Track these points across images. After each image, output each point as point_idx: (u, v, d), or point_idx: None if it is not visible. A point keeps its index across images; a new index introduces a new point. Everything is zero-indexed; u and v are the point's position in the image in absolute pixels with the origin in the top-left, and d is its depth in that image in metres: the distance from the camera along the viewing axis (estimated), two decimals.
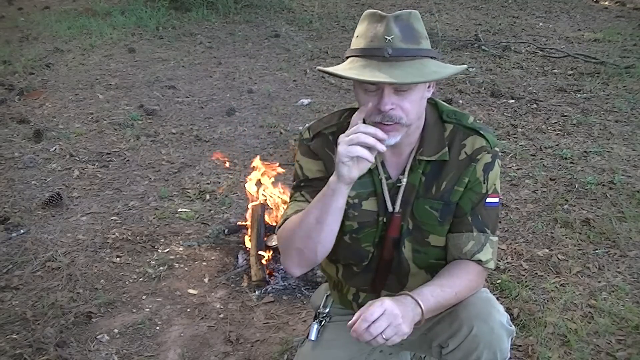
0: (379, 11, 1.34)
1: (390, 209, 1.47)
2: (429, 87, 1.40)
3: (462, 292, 1.41)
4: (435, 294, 1.35)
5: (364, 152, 1.25)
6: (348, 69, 1.33)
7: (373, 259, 1.53)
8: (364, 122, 1.32)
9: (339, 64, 1.45)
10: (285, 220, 1.48)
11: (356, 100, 1.43)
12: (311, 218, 1.36)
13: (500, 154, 1.49)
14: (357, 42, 1.36)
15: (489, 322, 1.39)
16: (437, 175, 1.45)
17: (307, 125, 1.57)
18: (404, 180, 1.46)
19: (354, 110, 1.51)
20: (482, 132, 1.45)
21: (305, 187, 1.51)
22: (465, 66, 1.46)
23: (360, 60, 1.33)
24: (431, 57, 1.35)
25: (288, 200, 1.58)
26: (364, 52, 1.33)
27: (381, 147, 1.26)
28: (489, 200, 1.46)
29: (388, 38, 1.30)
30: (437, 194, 1.46)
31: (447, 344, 1.43)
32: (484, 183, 1.45)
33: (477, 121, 1.49)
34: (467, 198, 1.45)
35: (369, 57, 1.32)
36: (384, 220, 1.48)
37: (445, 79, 1.41)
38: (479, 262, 1.44)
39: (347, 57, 1.38)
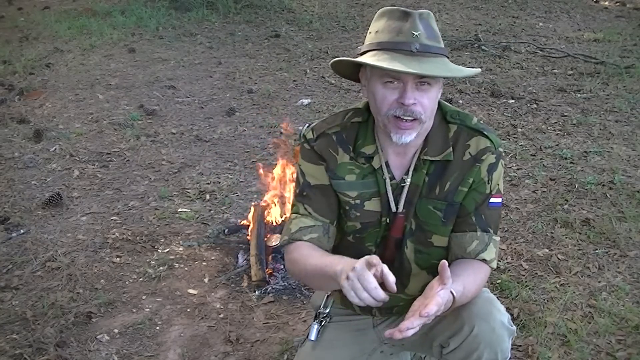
0: (400, 8, 1.35)
1: (394, 209, 1.47)
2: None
3: (474, 291, 1.40)
4: (458, 291, 1.33)
5: (361, 303, 1.22)
6: (376, 60, 1.32)
7: None
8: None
9: None
10: (289, 240, 1.49)
11: (368, 95, 1.41)
12: (314, 282, 1.47)
13: (503, 154, 1.49)
14: (377, 37, 1.35)
15: (490, 321, 1.39)
16: (440, 175, 1.45)
17: (310, 125, 1.57)
18: (408, 181, 1.45)
19: (357, 110, 1.51)
20: (486, 132, 1.45)
21: (307, 197, 1.51)
22: (479, 69, 1.48)
23: (384, 54, 1.32)
24: (446, 57, 1.37)
25: (291, 208, 1.58)
26: (389, 45, 1.32)
27: (375, 305, 1.22)
28: (492, 200, 1.47)
29: (415, 34, 1.31)
30: (441, 194, 1.45)
31: (448, 344, 1.43)
32: (488, 183, 1.45)
33: (481, 122, 1.50)
34: (471, 198, 1.46)
35: (395, 50, 1.31)
36: (387, 220, 1.48)
37: (468, 77, 1.44)
38: (484, 261, 1.44)
39: (365, 52, 1.37)
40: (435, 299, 1.21)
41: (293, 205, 1.55)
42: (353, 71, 1.47)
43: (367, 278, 1.20)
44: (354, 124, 1.50)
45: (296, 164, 1.57)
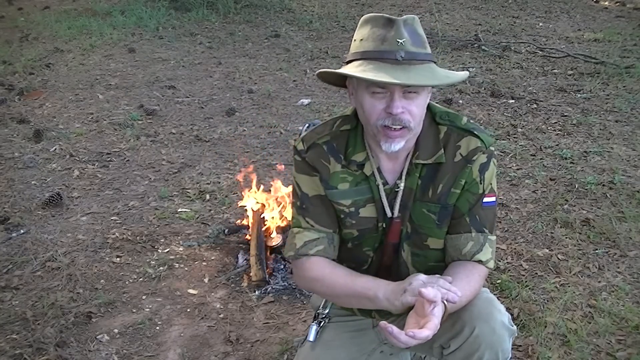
0: (384, 14, 1.34)
1: (389, 214, 1.47)
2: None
3: (470, 294, 1.40)
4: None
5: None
6: (361, 71, 1.30)
7: (372, 264, 1.53)
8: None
9: (339, 64, 1.44)
10: (296, 256, 1.50)
11: (356, 104, 1.41)
12: (343, 300, 1.49)
13: (495, 152, 1.49)
14: (362, 45, 1.34)
15: (491, 322, 1.39)
16: (433, 178, 1.45)
17: (310, 128, 1.56)
18: (402, 185, 1.45)
19: (345, 117, 1.51)
20: (476, 132, 1.44)
21: (307, 210, 1.50)
22: (468, 73, 1.46)
23: (369, 63, 1.31)
24: (434, 62, 1.35)
25: (291, 220, 1.57)
26: (374, 54, 1.31)
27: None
28: (486, 200, 1.46)
29: (400, 41, 1.29)
30: (434, 197, 1.45)
31: (449, 345, 1.43)
32: (481, 183, 1.45)
33: (471, 121, 1.49)
34: (464, 199, 1.45)
35: (380, 60, 1.30)
36: (384, 225, 1.48)
37: (456, 83, 1.40)
38: (480, 262, 1.44)
39: (350, 61, 1.36)
40: (432, 322, 1.21)
41: (293, 219, 1.54)
42: (340, 79, 1.45)
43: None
44: (343, 132, 1.49)
45: (292, 176, 1.55)
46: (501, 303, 1.48)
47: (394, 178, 1.47)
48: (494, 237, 1.48)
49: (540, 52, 6.21)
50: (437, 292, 1.23)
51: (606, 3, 8.70)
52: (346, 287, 1.42)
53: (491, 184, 1.47)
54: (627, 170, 3.59)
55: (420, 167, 1.45)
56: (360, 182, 1.47)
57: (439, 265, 1.49)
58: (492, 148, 1.46)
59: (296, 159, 1.52)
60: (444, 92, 4.98)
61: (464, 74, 1.40)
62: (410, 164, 1.44)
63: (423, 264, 1.50)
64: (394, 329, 1.20)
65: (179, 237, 3.01)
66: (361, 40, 1.35)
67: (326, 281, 1.45)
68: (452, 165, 1.44)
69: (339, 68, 1.40)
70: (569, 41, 6.69)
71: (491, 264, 1.46)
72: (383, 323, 1.21)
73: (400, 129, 1.33)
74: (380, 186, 1.46)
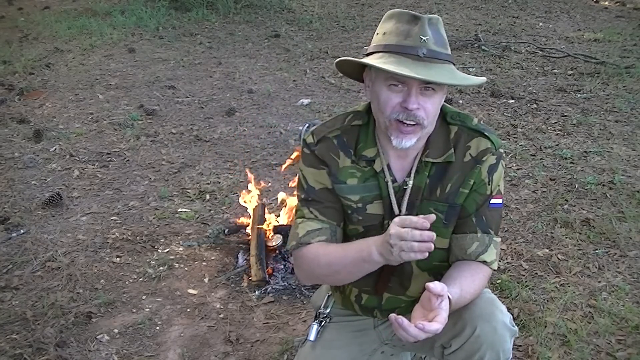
0: (410, 11, 1.35)
1: (396, 212, 1.46)
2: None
3: (473, 293, 1.40)
4: (455, 294, 1.33)
5: (420, 256, 1.25)
6: (382, 62, 1.31)
7: None
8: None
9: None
10: (297, 245, 1.48)
11: (371, 96, 1.41)
12: (344, 273, 1.42)
13: (503, 154, 1.49)
14: (384, 39, 1.35)
15: (492, 322, 1.39)
16: (441, 177, 1.45)
17: (310, 128, 1.56)
18: (410, 183, 1.45)
19: (357, 113, 1.51)
20: (486, 133, 1.45)
21: (313, 202, 1.50)
22: (485, 79, 1.47)
23: (391, 56, 1.32)
24: (453, 64, 1.37)
25: (294, 213, 1.57)
26: (397, 48, 1.32)
27: (428, 250, 1.24)
28: (493, 201, 1.46)
29: (424, 38, 1.30)
30: (442, 196, 1.45)
31: (450, 344, 1.43)
32: (489, 184, 1.45)
33: (481, 122, 1.49)
34: (472, 199, 1.45)
35: (402, 54, 1.31)
36: (389, 223, 1.48)
37: (472, 86, 1.42)
38: (484, 262, 1.44)
39: (371, 53, 1.37)
40: (441, 316, 1.22)
41: (297, 210, 1.54)
42: (357, 71, 1.47)
43: (407, 234, 1.22)
44: (354, 127, 1.49)
45: (299, 169, 1.55)
46: (501, 303, 1.49)
47: (402, 176, 1.47)
48: (498, 239, 1.48)
49: (540, 52, 6.21)
50: (443, 286, 1.24)
51: (606, 3, 8.70)
52: (342, 258, 1.40)
53: (499, 185, 1.47)
54: (627, 170, 3.59)
55: (430, 166, 1.45)
56: (368, 179, 1.47)
57: (443, 264, 1.50)
58: (501, 150, 1.47)
59: (305, 152, 1.52)
60: None
61: (482, 79, 1.42)
62: (419, 162, 1.45)
63: (427, 262, 1.50)
64: (404, 320, 1.20)
65: (179, 237, 3.01)
66: (384, 33, 1.36)
67: (322, 260, 1.44)
68: (461, 165, 1.44)
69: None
70: (569, 41, 6.69)
71: (495, 265, 1.47)
72: (393, 315, 1.21)
73: (413, 125, 1.34)
74: (389, 183, 1.46)
